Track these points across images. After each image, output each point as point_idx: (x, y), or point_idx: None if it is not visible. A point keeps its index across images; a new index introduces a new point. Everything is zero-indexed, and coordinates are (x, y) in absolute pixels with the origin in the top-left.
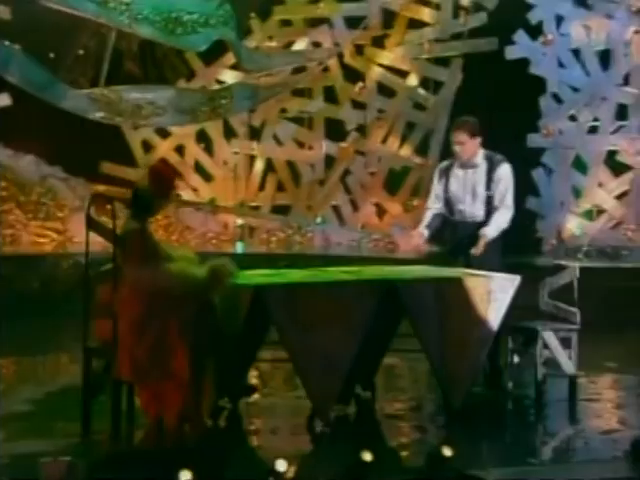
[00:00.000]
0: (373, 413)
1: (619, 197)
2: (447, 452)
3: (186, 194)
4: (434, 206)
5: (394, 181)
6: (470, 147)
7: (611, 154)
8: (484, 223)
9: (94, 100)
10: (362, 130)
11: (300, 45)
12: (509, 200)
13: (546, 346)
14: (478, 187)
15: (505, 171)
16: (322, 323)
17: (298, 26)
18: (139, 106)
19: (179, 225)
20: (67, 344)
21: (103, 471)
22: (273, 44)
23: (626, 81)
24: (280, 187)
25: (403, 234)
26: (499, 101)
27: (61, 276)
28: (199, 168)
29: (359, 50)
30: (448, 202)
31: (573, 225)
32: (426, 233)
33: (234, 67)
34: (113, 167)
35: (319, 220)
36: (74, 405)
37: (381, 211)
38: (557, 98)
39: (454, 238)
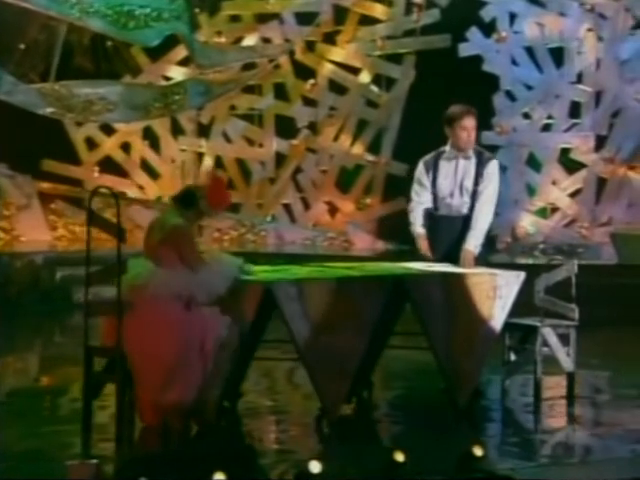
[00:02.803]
0: (372, 412)
1: (573, 195)
2: (477, 452)
3: (132, 192)
4: (423, 200)
5: (346, 179)
6: (475, 135)
7: (565, 152)
8: (468, 218)
9: (44, 95)
10: (313, 127)
11: (250, 41)
12: (487, 197)
13: (545, 343)
14: (466, 180)
15: (494, 169)
16: (333, 320)
17: (247, 22)
18: (90, 101)
19: (129, 224)
20: (22, 347)
21: (131, 472)
22: (222, 40)
23: (579, 79)
24: (230, 185)
25: (358, 232)
26: (452, 99)
27: (15, 277)
28: (145, 165)
29: (310, 47)
30: (435, 196)
31: (527, 223)
32: (425, 234)
33: (181, 63)
34: (55, 165)
35: (269, 219)
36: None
37: (333, 209)
38: (511, 96)
39: (437, 234)
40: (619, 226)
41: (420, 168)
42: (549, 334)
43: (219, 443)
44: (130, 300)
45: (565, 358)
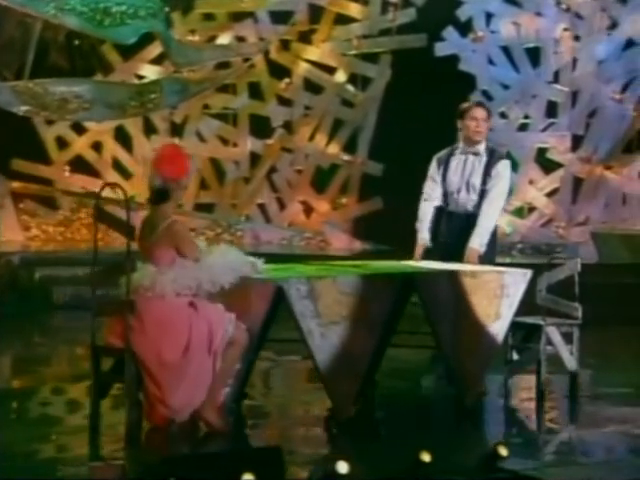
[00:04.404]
0: (378, 411)
1: (550, 194)
2: (503, 452)
3: (104, 192)
4: (434, 196)
5: (322, 179)
6: (485, 127)
7: (541, 151)
8: (473, 216)
9: (19, 93)
10: (288, 127)
11: (224, 40)
12: (495, 195)
13: (549, 342)
14: (473, 178)
15: (503, 168)
16: (343, 318)
17: (221, 20)
18: (65, 100)
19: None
20: (14, 347)
21: (159, 474)
22: (196, 38)
23: (556, 78)
24: (203, 185)
25: (334, 232)
26: (429, 98)
27: None
28: (117, 165)
29: (285, 45)
30: (445, 191)
31: (504, 222)
32: (428, 240)
33: (154, 62)
34: (24, 164)
35: (243, 219)
36: None
37: (309, 209)
38: (487, 95)
39: (449, 230)
40: (596, 225)
41: (433, 164)
42: (553, 333)
43: (247, 444)
44: (136, 300)
45: (569, 357)
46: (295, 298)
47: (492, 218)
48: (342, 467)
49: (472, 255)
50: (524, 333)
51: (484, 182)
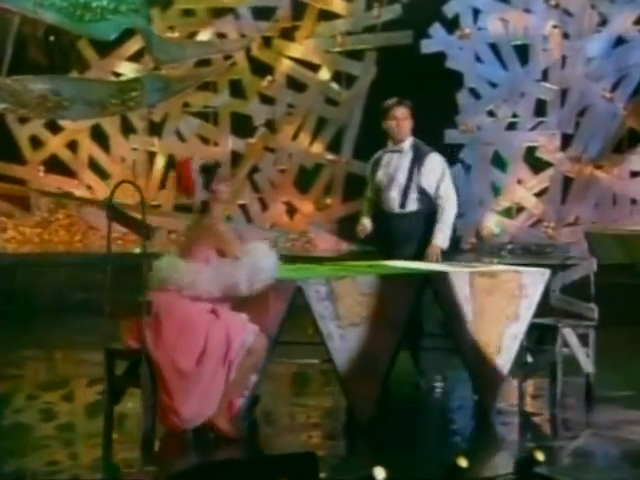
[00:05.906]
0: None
1: (539, 194)
2: (539, 457)
3: (80, 192)
4: (370, 196)
5: (305, 179)
6: (406, 125)
7: (531, 150)
8: (402, 215)
9: None
10: (271, 126)
11: (204, 36)
12: (445, 190)
13: (565, 344)
14: (398, 174)
15: (434, 162)
16: (363, 320)
17: (201, 16)
18: (45, 97)
19: (82, 225)
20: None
21: None
22: (175, 35)
23: (545, 76)
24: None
25: (320, 233)
26: (415, 96)
27: None
28: (94, 165)
29: (267, 42)
30: (377, 191)
31: (492, 223)
32: (369, 225)
33: (131, 59)
34: None
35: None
36: None
37: (292, 210)
38: (475, 93)
39: (390, 231)
40: (586, 226)
41: (368, 166)
42: (569, 334)
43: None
44: (156, 301)
45: (585, 359)
46: (314, 299)
47: (451, 214)
48: (379, 473)
49: (433, 251)
50: (538, 335)
51: (410, 178)
